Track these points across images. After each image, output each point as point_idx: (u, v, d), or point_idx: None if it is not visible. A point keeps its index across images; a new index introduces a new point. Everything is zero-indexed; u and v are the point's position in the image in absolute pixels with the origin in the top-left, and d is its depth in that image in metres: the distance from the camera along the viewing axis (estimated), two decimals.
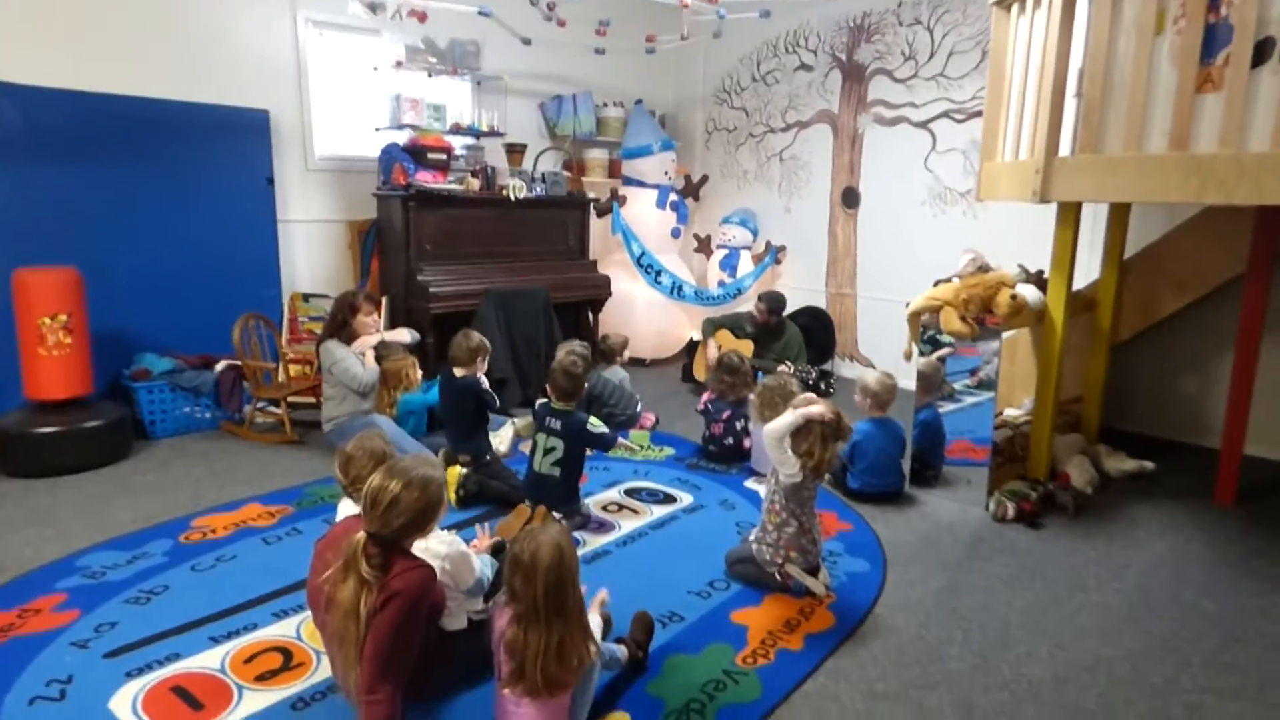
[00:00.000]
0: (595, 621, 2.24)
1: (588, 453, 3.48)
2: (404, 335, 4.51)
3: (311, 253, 5.65)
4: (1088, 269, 4.38)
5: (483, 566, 2.35)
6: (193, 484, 3.85)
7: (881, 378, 3.71)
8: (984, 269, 3.73)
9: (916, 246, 5.72)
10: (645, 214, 6.54)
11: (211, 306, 4.88)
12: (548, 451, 3.40)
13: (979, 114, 5.18)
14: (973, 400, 4.44)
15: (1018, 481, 3.71)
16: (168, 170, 4.79)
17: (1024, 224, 4.91)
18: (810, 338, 5.79)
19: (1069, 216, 3.53)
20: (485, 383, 3.92)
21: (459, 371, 3.88)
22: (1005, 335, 3.67)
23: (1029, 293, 3.60)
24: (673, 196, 6.62)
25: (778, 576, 2.83)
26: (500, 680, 2.00)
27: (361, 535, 1.88)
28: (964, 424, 4.10)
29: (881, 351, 5.99)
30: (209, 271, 4.98)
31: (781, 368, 5.20)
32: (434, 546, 2.18)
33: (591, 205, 6.22)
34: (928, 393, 3.80)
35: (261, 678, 2.31)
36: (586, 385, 3.97)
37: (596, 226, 6.42)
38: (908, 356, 3.99)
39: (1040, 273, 4.00)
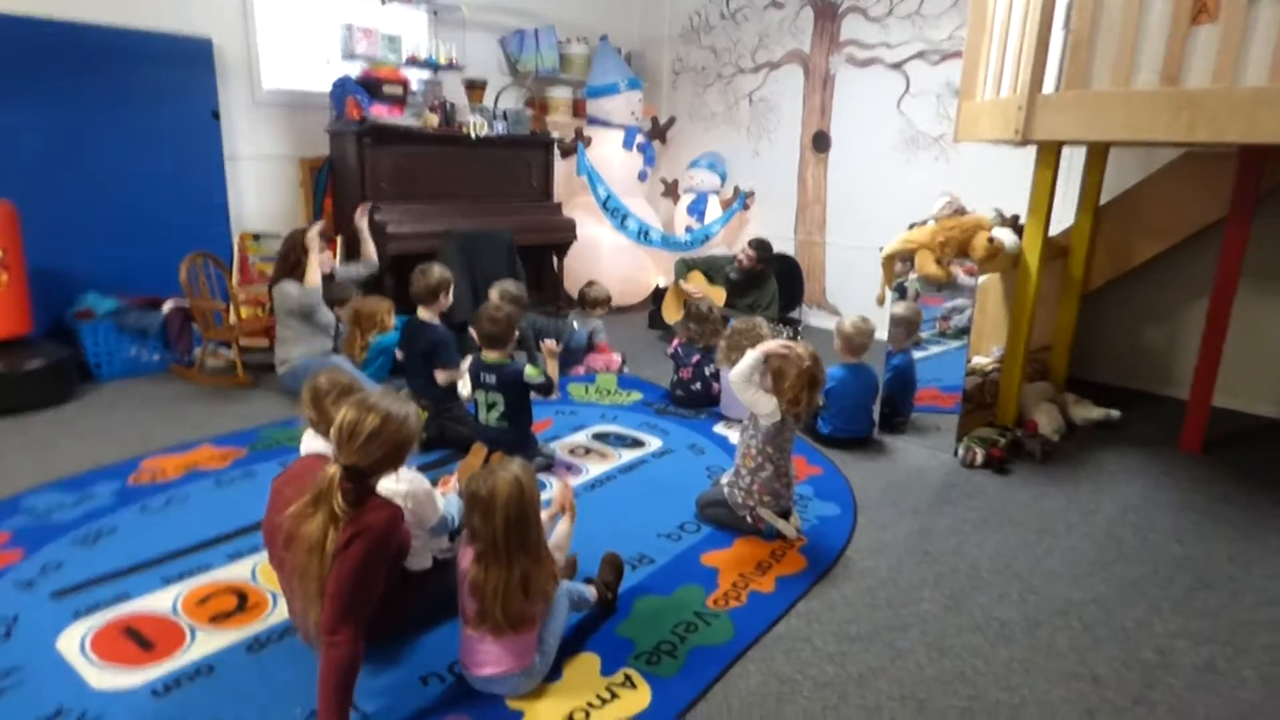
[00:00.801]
0: (563, 529, 2.19)
1: (533, 397, 3.32)
2: (370, 249, 4.46)
3: (261, 191, 5.38)
4: (1060, 215, 4.33)
5: (448, 506, 2.25)
6: (141, 426, 3.73)
7: (858, 322, 3.64)
8: (960, 212, 3.66)
9: (888, 192, 5.64)
10: (611, 156, 6.35)
11: (158, 246, 4.65)
12: (490, 407, 3.28)
13: (955, 55, 5.08)
14: (940, 348, 4.44)
15: (986, 428, 3.71)
16: (107, 101, 4.52)
17: (997, 169, 4.86)
18: (779, 285, 5.71)
19: (1049, 157, 3.47)
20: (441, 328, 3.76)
21: (423, 314, 3.72)
22: (979, 280, 3.62)
23: (1006, 237, 3.55)
24: (639, 138, 6.43)
25: (749, 519, 2.78)
26: (465, 621, 1.92)
27: (335, 469, 1.77)
28: (932, 371, 4.10)
29: (850, 300, 5.94)
30: (154, 209, 4.74)
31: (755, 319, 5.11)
32: (393, 486, 2.07)
33: (555, 145, 6.01)
34: (907, 338, 3.76)
35: (216, 619, 2.25)
36: (521, 328, 3.77)
37: (561, 168, 6.22)
38: (880, 301, 3.94)
39: (1016, 218, 3.95)
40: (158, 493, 3.04)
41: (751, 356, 2.65)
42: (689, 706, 1.94)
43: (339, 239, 5.26)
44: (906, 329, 3.74)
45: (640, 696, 1.96)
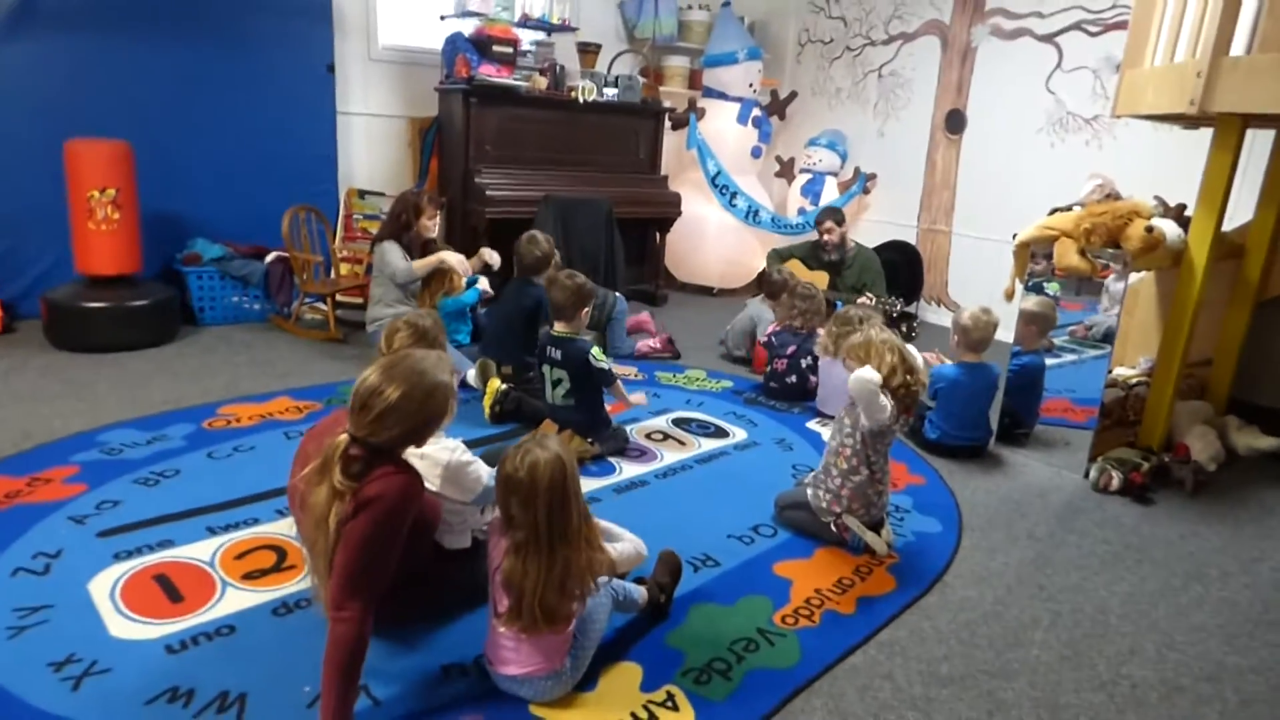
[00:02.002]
0: (628, 550, 1.93)
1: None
2: (494, 257, 4.19)
3: (371, 148, 5.39)
4: (1236, 209, 3.71)
5: (490, 477, 2.04)
6: (230, 372, 3.77)
7: (978, 314, 3.21)
8: (1113, 197, 3.16)
9: (1027, 180, 5.06)
10: (724, 130, 6.02)
11: (266, 196, 4.70)
12: (555, 384, 3.08)
13: (1119, 26, 4.47)
14: (1074, 356, 3.94)
15: (1126, 449, 3.21)
16: (225, 49, 4.58)
17: (1159, 157, 4.25)
18: (895, 275, 5.24)
19: (1229, 136, 2.92)
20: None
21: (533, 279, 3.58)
22: (1129, 280, 3.12)
23: (1168, 228, 3.02)
24: (756, 112, 6.06)
25: (834, 528, 2.46)
26: (496, 616, 1.71)
27: (343, 437, 1.59)
28: (1064, 380, 3.62)
29: (974, 297, 5.31)
30: (266, 160, 4.80)
31: (862, 299, 4.68)
32: (434, 453, 1.88)
33: (666, 116, 5.73)
34: (1039, 337, 3.29)
35: (249, 576, 2.15)
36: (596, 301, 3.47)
37: (670, 140, 5.95)
38: (1009, 296, 3.47)
39: (1182, 207, 3.39)
40: (228, 439, 3.01)
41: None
42: None
43: (442, 202, 5.19)
44: (1040, 326, 3.28)
45: None
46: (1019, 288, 3.42)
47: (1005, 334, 3.49)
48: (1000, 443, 3.42)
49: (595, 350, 2.98)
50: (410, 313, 2.23)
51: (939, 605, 2.22)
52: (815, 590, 2.24)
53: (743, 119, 6.03)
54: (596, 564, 1.69)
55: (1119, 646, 2.08)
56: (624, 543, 1.93)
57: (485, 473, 1.99)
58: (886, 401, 2.29)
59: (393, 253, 3.94)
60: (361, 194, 5.24)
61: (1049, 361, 3.45)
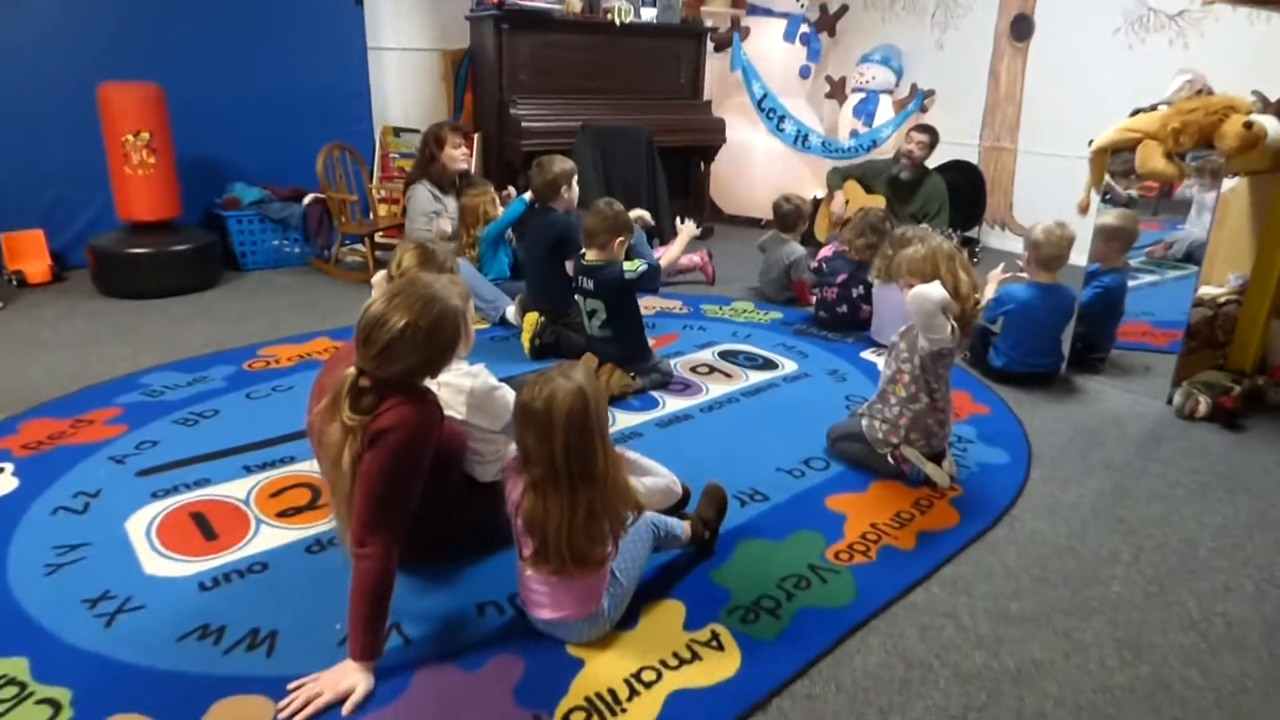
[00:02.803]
0: (659, 483, 1.78)
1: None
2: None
3: (404, 84, 5.26)
4: None
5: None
6: (271, 315, 3.75)
7: (1052, 228, 2.94)
8: (1205, 94, 2.84)
9: (1103, 89, 4.65)
10: (770, 50, 5.69)
11: (302, 136, 4.60)
12: (590, 315, 2.94)
13: None
14: (1154, 277, 3.66)
15: (1214, 372, 2.96)
16: None
17: (1257, 51, 3.83)
18: (956, 198, 4.92)
19: None
20: (564, 216, 3.43)
21: (554, 205, 3.41)
22: (1222, 187, 2.81)
23: (1268, 124, 2.70)
24: (804, 28, 5.71)
25: (891, 459, 2.30)
26: (522, 559, 1.61)
27: (351, 370, 1.48)
28: (1143, 303, 3.36)
29: (1042, 219, 5.04)
30: (298, 99, 4.70)
31: (922, 227, 4.39)
32: (455, 380, 1.77)
33: (708, 36, 5.43)
34: (1121, 253, 3.03)
35: (284, 514, 2.11)
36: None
37: (713, 63, 5.66)
38: (1083, 209, 3.19)
39: None
40: (267, 380, 2.98)
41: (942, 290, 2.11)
42: (786, 683, 1.54)
43: (477, 136, 5.05)
44: (1123, 242, 3.00)
45: (727, 661, 1.59)
46: (1095, 199, 3.13)
47: (1078, 256, 3.22)
48: (1072, 369, 3.18)
49: (627, 265, 2.82)
50: (419, 236, 2.09)
51: (1007, 540, 2.06)
52: (871, 525, 2.09)
53: (790, 36, 5.68)
54: (623, 504, 1.56)
55: (1211, 583, 1.90)
56: (653, 477, 1.81)
57: (514, 398, 1.87)
58: (946, 320, 2.10)
59: (419, 197, 3.86)
60: (396, 132, 5.13)
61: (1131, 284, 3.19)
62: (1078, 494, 2.30)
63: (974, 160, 5.42)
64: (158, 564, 1.87)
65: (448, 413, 1.65)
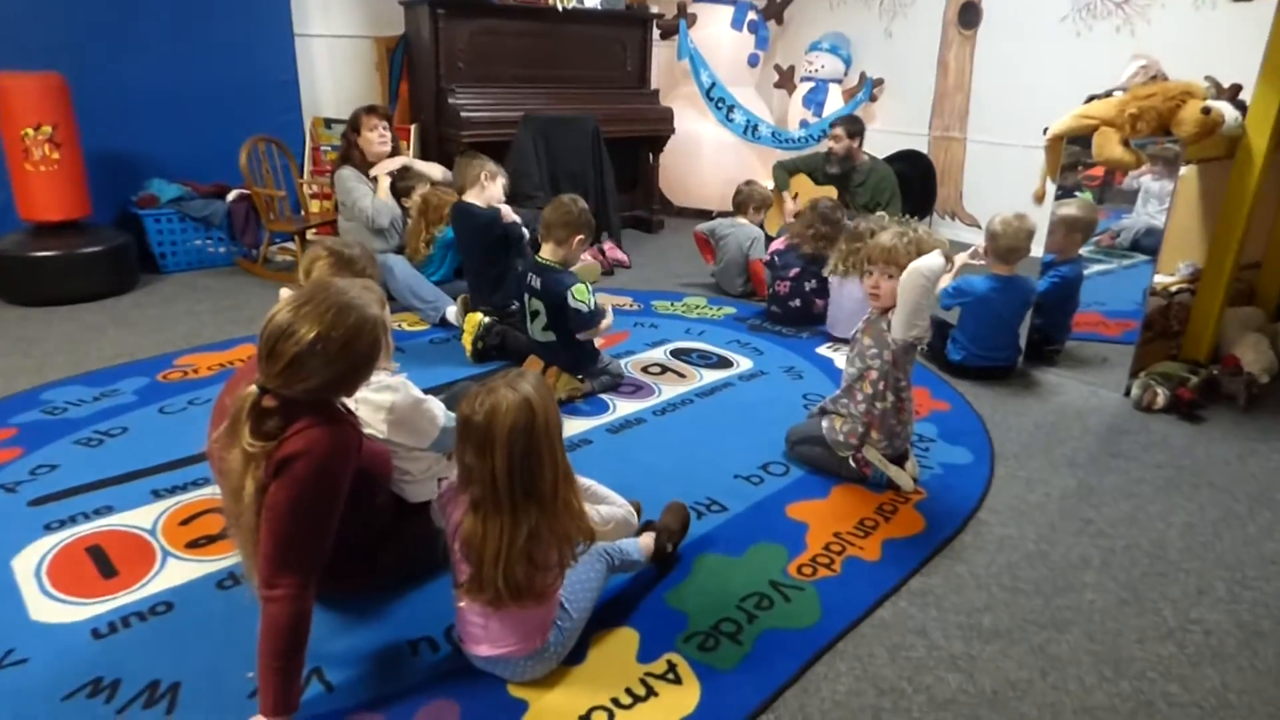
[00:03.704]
0: (618, 512, 1.65)
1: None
2: (434, 170, 3.90)
3: (335, 73, 4.98)
4: None
5: (449, 418, 1.76)
6: (192, 320, 3.49)
7: (1009, 218, 2.86)
8: (1160, 80, 2.79)
9: (1050, 77, 4.63)
10: (718, 37, 5.56)
11: (226, 129, 4.30)
12: (534, 316, 2.77)
13: None
14: (1104, 266, 3.63)
15: (1170, 363, 2.92)
16: None
17: (1202, 38, 3.83)
18: (906, 188, 4.85)
19: None
20: (510, 215, 3.25)
21: (472, 199, 3.22)
22: (1181, 172, 2.77)
23: (1226, 110, 2.66)
24: (751, 16, 5.59)
25: (852, 463, 2.19)
26: (455, 586, 1.45)
27: (253, 390, 1.30)
28: (1095, 293, 3.32)
29: (991, 210, 4.92)
30: (222, 91, 4.39)
31: (877, 215, 4.31)
32: (372, 396, 1.60)
33: (654, 23, 5.28)
34: (1081, 243, 2.97)
35: (194, 544, 1.91)
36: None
37: (660, 52, 5.51)
38: (1039, 198, 3.14)
39: (1237, 89, 3.02)
40: (183, 392, 2.75)
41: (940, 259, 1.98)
42: (749, 718, 1.42)
43: (414, 127, 4.83)
44: (1084, 232, 2.95)
45: (685, 696, 1.46)
46: (1050, 188, 3.08)
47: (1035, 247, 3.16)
48: (1029, 362, 3.13)
49: (578, 289, 2.63)
50: (333, 240, 1.90)
51: (975, 546, 1.96)
52: (834, 534, 1.98)
53: (738, 24, 5.56)
54: (574, 530, 1.41)
55: (1184, 586, 1.83)
56: (610, 506, 1.66)
57: (441, 411, 1.71)
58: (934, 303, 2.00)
59: (352, 179, 3.64)
60: (328, 123, 4.87)
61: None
62: (1043, 494, 2.22)
63: (924, 150, 5.38)
64: (47, 609, 1.66)
65: (367, 431, 1.48)
